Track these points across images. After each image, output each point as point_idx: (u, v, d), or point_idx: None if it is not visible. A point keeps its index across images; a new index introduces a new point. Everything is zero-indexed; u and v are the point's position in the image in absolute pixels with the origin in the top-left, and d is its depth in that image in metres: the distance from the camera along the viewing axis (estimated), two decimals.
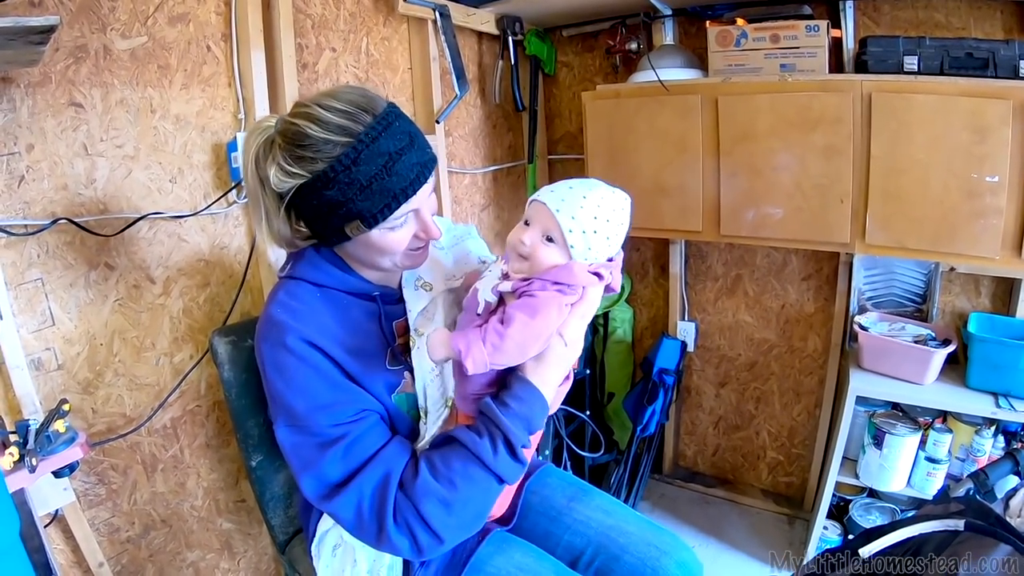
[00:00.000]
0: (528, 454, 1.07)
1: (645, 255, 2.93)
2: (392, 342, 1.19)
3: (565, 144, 2.99)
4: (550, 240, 1.03)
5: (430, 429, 1.19)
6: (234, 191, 1.67)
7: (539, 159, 2.91)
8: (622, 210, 1.07)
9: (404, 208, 1.07)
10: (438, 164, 1.15)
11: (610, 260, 1.09)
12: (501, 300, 1.06)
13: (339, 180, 1.03)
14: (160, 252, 1.57)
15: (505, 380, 1.07)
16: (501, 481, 1.04)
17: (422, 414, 1.20)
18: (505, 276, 1.07)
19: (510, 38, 2.53)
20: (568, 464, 2.57)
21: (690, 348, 2.83)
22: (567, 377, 1.14)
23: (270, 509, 1.49)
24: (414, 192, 1.07)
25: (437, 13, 2.15)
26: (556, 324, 1.03)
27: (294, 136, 1.05)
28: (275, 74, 1.72)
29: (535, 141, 2.83)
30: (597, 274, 1.06)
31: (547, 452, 2.43)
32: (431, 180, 1.12)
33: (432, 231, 1.14)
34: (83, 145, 1.41)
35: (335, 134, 1.03)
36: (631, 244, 2.94)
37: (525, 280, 1.03)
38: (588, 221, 1.02)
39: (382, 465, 1.05)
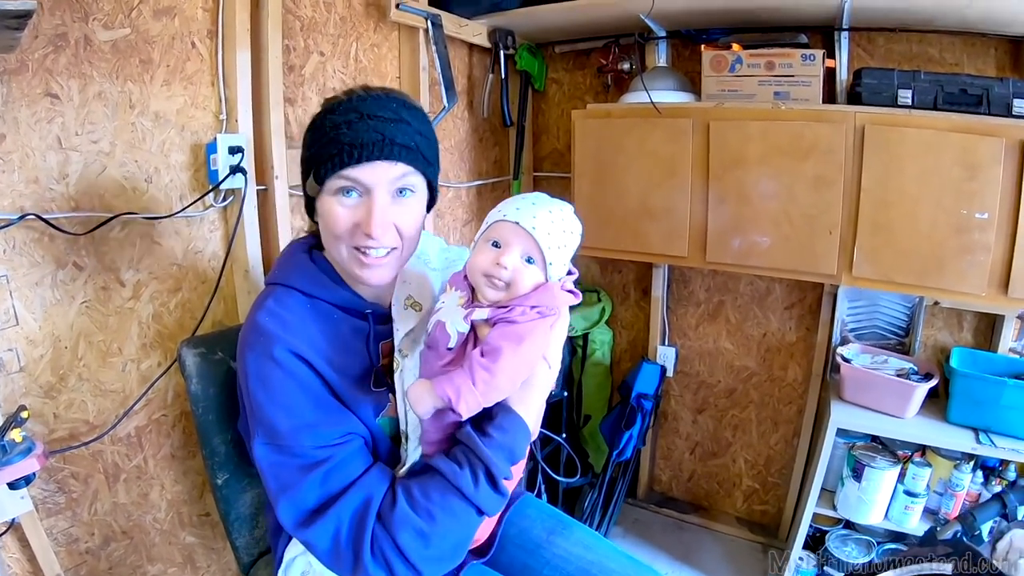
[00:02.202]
0: (510, 485, 1.02)
1: (627, 277, 2.92)
2: (376, 363, 1.14)
3: (551, 162, 2.97)
4: (530, 261, 1.00)
5: (411, 455, 1.14)
6: (211, 194, 1.62)
7: (524, 175, 2.89)
8: (576, 220, 1.06)
9: (352, 172, 1.02)
10: (426, 169, 1.10)
11: (570, 273, 1.08)
12: (472, 330, 1.02)
13: (315, 124, 1.07)
14: (131, 254, 1.51)
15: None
16: (481, 513, 0.99)
17: (403, 439, 1.15)
18: (470, 303, 1.02)
19: (501, 52, 2.51)
20: (542, 487, 2.53)
21: (669, 373, 2.80)
22: None
23: (235, 529, 1.43)
24: (363, 157, 1.01)
25: (429, 22, 2.12)
26: (543, 349, 1.00)
27: None
28: (260, 75, 1.68)
29: (521, 157, 2.81)
30: (571, 291, 1.05)
31: (521, 476, 2.38)
32: (397, 171, 1.05)
33: (371, 223, 1.03)
34: (57, 138, 1.36)
35: (343, 91, 1.08)
36: (613, 266, 2.93)
37: (503, 307, 0.99)
38: (560, 236, 1.01)
39: (362, 491, 1.00)
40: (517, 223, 0.99)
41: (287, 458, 1.01)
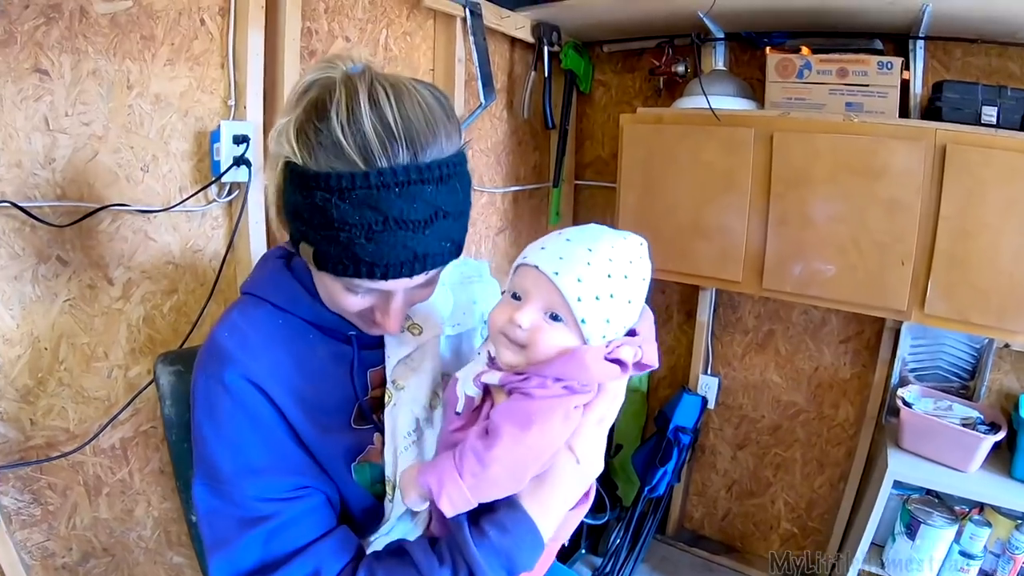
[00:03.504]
0: None
1: (671, 298, 2.77)
2: (362, 396, 0.96)
3: (594, 170, 2.83)
4: (555, 318, 0.77)
5: (396, 511, 0.93)
6: (214, 187, 1.50)
7: (565, 183, 2.75)
8: (641, 259, 0.81)
9: (369, 285, 0.82)
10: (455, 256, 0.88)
11: (633, 334, 0.82)
12: (487, 393, 0.82)
13: (313, 194, 0.77)
14: (122, 249, 1.39)
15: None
16: None
17: (388, 489, 0.94)
18: (491, 362, 0.82)
19: (546, 48, 2.37)
20: None
21: (710, 405, 2.65)
22: (585, 495, 0.88)
23: None
24: (388, 276, 0.80)
25: (468, 10, 1.99)
26: (563, 436, 0.78)
27: (327, 102, 0.78)
28: (275, 59, 1.55)
29: (563, 163, 2.67)
30: (618, 361, 0.78)
31: None
32: (426, 277, 0.85)
33: (390, 324, 0.88)
34: (45, 118, 1.25)
35: (354, 140, 0.75)
36: (656, 286, 2.73)
37: (520, 374, 0.78)
38: (600, 282, 0.76)
39: (311, 562, 0.81)
40: (537, 267, 0.77)
41: (226, 506, 0.84)
